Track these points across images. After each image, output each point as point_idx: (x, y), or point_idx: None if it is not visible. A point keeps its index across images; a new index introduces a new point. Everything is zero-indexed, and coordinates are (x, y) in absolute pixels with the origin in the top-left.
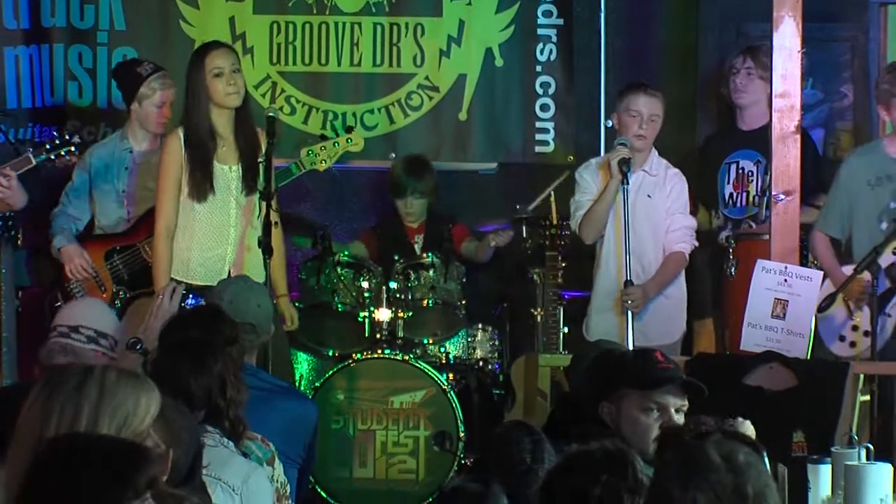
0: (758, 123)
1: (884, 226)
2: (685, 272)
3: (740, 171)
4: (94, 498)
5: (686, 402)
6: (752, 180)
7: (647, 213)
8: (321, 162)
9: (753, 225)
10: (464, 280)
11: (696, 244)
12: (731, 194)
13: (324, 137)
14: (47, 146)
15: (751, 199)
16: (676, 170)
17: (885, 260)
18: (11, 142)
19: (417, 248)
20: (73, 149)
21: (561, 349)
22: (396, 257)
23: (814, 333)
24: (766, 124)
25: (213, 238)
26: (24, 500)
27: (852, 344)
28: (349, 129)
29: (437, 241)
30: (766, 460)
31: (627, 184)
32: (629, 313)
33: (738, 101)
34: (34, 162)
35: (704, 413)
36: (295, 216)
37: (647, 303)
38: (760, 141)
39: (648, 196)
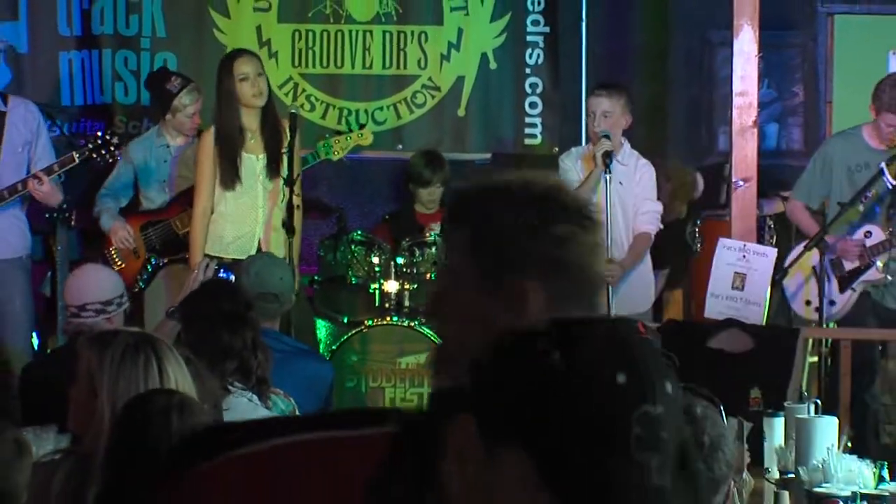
0: None
1: (861, 208)
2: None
3: None
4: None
5: None
6: None
7: (618, 198)
8: (335, 153)
9: None
10: None
11: (662, 226)
12: None
13: (338, 132)
14: (90, 146)
15: None
16: (646, 160)
17: (854, 240)
18: (66, 134)
19: (431, 234)
20: (112, 149)
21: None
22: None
23: (784, 299)
24: None
25: (244, 219)
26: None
27: (817, 309)
28: (361, 126)
29: None
30: (723, 413)
31: (609, 173)
32: (608, 286)
33: None
34: (77, 160)
35: (680, 374)
36: (314, 200)
37: (625, 275)
38: None
39: (620, 183)
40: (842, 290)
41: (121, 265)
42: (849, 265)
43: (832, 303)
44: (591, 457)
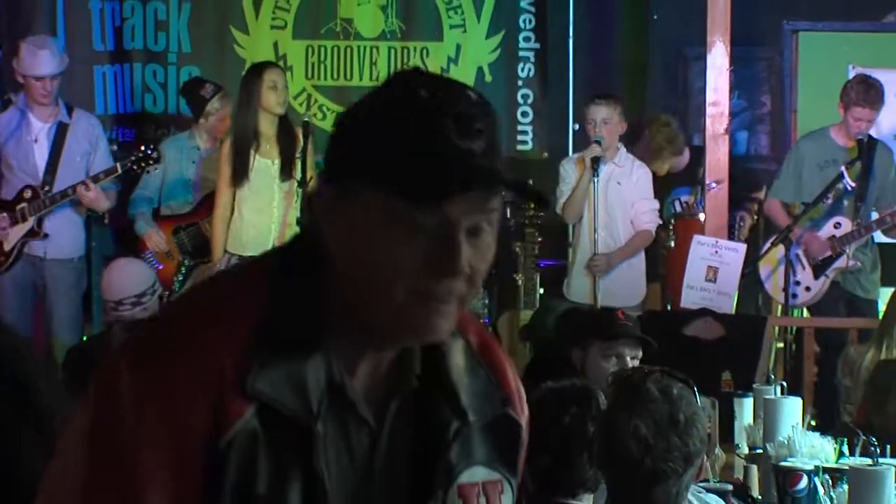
0: None
1: (830, 201)
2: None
3: None
4: None
5: (640, 353)
6: None
7: (617, 197)
8: None
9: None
10: None
11: (660, 221)
12: None
13: None
14: (132, 158)
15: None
16: (641, 162)
17: (825, 232)
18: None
19: None
20: (151, 162)
21: (538, 306)
22: None
23: (763, 287)
24: None
25: (261, 217)
26: None
27: (794, 295)
28: None
29: None
30: (697, 394)
31: (597, 176)
32: (596, 276)
33: None
34: (119, 171)
35: (652, 357)
36: None
37: (613, 269)
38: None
39: (618, 183)
40: (816, 276)
41: (158, 268)
42: (821, 254)
43: (808, 289)
44: None
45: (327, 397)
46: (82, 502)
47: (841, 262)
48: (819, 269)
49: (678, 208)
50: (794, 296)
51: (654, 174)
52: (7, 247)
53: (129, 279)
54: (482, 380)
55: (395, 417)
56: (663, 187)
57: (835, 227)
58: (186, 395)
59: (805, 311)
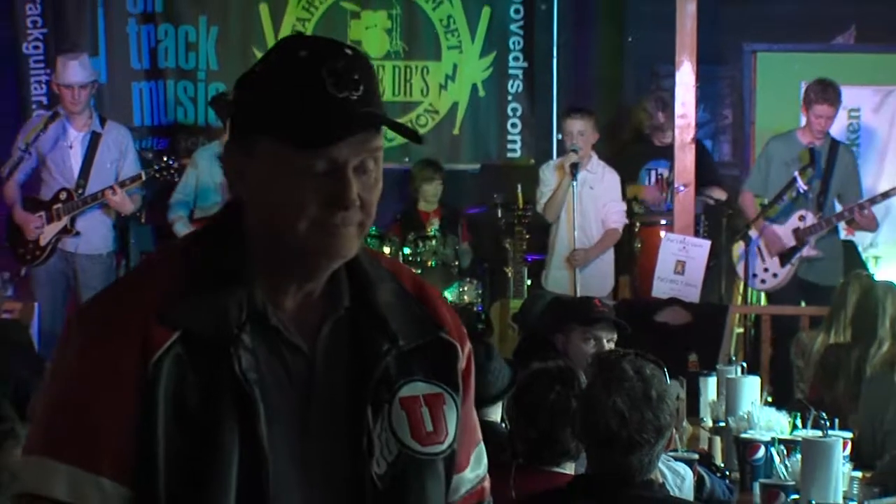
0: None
1: (785, 202)
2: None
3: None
4: None
5: (615, 336)
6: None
7: (590, 199)
8: None
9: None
10: (457, 248)
11: (627, 221)
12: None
13: None
14: (155, 167)
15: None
16: (611, 168)
17: (791, 224)
18: (136, 150)
19: (431, 228)
20: (173, 172)
21: (525, 296)
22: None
23: (736, 273)
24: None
25: None
26: None
27: (763, 281)
28: None
29: (454, 222)
30: (666, 374)
31: (575, 180)
32: (576, 269)
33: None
34: (144, 178)
35: (627, 341)
36: None
37: (588, 262)
38: (669, 151)
39: (591, 188)
40: (782, 264)
41: None
42: (779, 247)
43: (775, 275)
44: None
45: (250, 323)
46: (45, 421)
47: (805, 251)
48: (785, 257)
49: (653, 179)
50: (763, 281)
51: (628, 139)
52: (43, 242)
53: None
54: (413, 309)
55: (328, 342)
56: (639, 155)
57: (799, 219)
58: (119, 336)
59: (763, 299)
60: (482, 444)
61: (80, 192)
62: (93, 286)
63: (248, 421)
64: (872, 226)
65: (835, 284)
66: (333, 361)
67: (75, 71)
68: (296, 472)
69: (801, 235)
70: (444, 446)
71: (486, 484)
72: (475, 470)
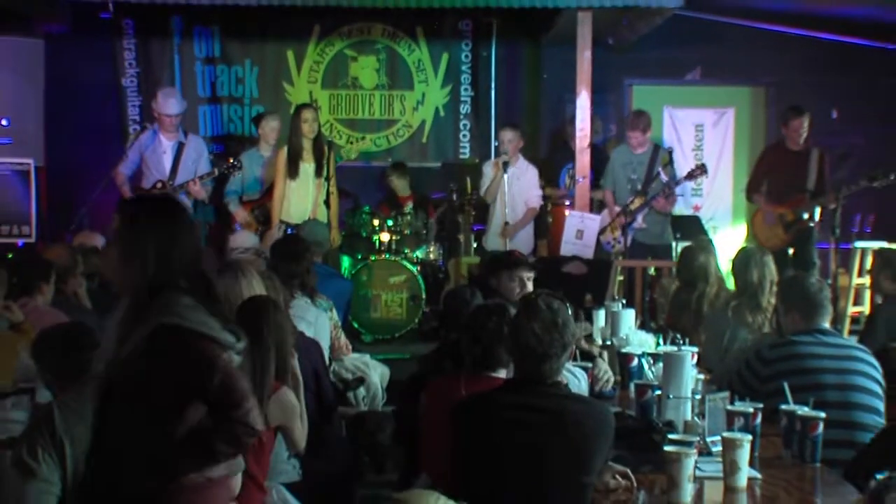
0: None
1: (629, 187)
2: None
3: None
4: None
5: (533, 274)
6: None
7: (517, 187)
8: (345, 156)
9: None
10: (425, 222)
11: (542, 203)
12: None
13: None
14: (225, 166)
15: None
16: (532, 164)
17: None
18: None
19: (408, 207)
20: (235, 170)
21: (472, 255)
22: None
23: (597, 245)
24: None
25: (302, 199)
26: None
27: (613, 247)
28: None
29: (423, 203)
30: (569, 307)
31: (506, 173)
32: (507, 237)
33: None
34: (216, 174)
35: (542, 285)
36: (342, 189)
37: (516, 231)
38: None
39: (518, 179)
40: (623, 234)
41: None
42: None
43: (618, 241)
44: None
45: None
46: None
47: (636, 224)
48: (623, 230)
49: (566, 176)
50: (612, 245)
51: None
52: None
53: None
54: None
55: None
56: (563, 158)
57: (630, 202)
58: None
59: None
60: None
61: (171, 183)
62: None
63: None
64: (669, 208)
65: (661, 244)
66: None
67: (173, 104)
68: None
69: (629, 215)
70: None
71: None
72: None
